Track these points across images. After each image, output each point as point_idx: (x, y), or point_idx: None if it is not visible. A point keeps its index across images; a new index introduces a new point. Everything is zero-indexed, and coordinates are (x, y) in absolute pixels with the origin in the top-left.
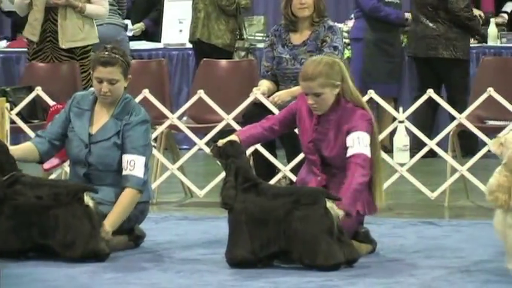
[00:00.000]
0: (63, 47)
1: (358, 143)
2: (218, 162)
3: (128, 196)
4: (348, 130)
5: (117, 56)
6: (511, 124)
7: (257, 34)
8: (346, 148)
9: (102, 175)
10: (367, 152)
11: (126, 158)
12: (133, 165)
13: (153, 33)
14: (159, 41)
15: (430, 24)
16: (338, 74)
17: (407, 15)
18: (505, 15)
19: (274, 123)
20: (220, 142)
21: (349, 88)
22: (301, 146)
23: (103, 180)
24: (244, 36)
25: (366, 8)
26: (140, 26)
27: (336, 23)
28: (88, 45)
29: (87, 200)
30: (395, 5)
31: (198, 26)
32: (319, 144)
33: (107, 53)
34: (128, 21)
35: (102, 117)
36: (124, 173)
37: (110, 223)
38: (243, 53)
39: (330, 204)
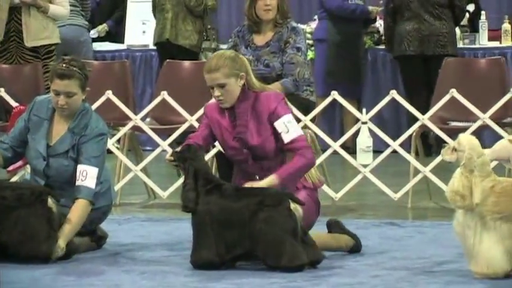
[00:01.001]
0: (28, 45)
1: (291, 126)
2: (177, 170)
3: (79, 208)
4: (270, 115)
5: (74, 68)
6: (474, 125)
7: None
8: (273, 134)
9: (64, 186)
10: (301, 132)
11: (79, 168)
12: (85, 175)
13: (116, 34)
14: (123, 42)
15: (437, 22)
16: (242, 66)
17: (371, 8)
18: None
19: (198, 139)
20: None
21: (252, 80)
22: (226, 152)
23: (64, 190)
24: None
25: (331, 7)
26: (103, 27)
27: (299, 24)
28: (52, 45)
29: (51, 203)
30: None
31: (166, 27)
32: (244, 137)
33: (64, 65)
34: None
35: (60, 128)
36: (76, 183)
37: (62, 238)
38: (209, 54)
39: (293, 205)
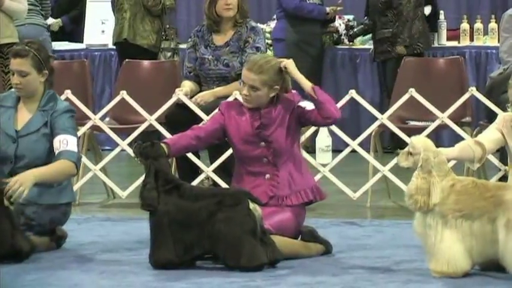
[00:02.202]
0: None
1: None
2: (139, 162)
3: (61, 163)
4: (294, 106)
5: (30, 49)
6: (433, 125)
7: None
8: (293, 125)
9: (33, 165)
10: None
11: (57, 138)
12: (66, 142)
13: (71, 31)
14: (82, 42)
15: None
16: (281, 81)
17: (328, 9)
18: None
19: (200, 132)
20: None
21: (288, 87)
22: (236, 149)
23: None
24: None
25: (289, 7)
26: (58, 21)
27: (258, 24)
28: (14, 44)
29: (7, 203)
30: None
31: (124, 27)
32: (265, 128)
33: (21, 46)
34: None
35: (26, 114)
36: (57, 151)
37: (35, 174)
38: (169, 54)
39: (252, 205)
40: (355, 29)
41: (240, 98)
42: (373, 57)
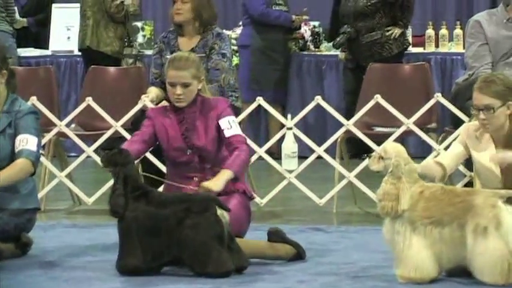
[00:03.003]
0: None
1: (234, 125)
2: (108, 170)
3: (19, 163)
4: (218, 115)
5: None
6: (398, 131)
7: None
8: (217, 137)
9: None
10: (242, 134)
11: (18, 138)
12: (26, 141)
13: (37, 35)
14: (47, 48)
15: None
16: (203, 71)
17: (294, 17)
18: None
19: (144, 135)
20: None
21: (205, 85)
22: (167, 155)
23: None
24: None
25: (255, 14)
26: (23, 21)
27: (224, 30)
28: None
29: None
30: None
31: (87, 34)
32: (190, 136)
33: None
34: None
35: None
36: (17, 150)
37: None
38: (130, 60)
39: (220, 211)
40: (338, 39)
41: None
42: (354, 63)
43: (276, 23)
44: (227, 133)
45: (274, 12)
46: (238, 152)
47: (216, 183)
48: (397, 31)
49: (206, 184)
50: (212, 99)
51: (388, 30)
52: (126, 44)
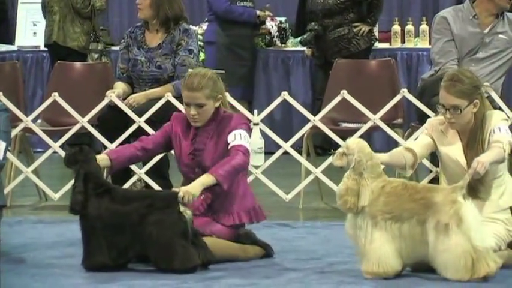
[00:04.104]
0: None
1: (240, 138)
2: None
3: None
4: (230, 131)
5: None
6: (364, 126)
7: None
8: (227, 150)
9: None
10: (248, 146)
11: None
12: None
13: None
14: (13, 44)
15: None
16: (220, 88)
17: (259, 12)
18: None
19: (148, 143)
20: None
21: (225, 101)
22: (179, 167)
23: None
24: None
25: (219, 10)
26: None
27: (191, 26)
28: None
29: None
30: (250, 8)
31: (54, 29)
32: (200, 156)
33: None
34: None
35: None
36: None
37: None
38: (96, 55)
39: (183, 207)
40: (305, 36)
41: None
42: (322, 59)
43: (240, 20)
44: (231, 144)
45: (238, 8)
46: (229, 158)
47: (194, 185)
48: (364, 28)
49: (184, 188)
50: (232, 115)
51: (355, 26)
52: (92, 39)
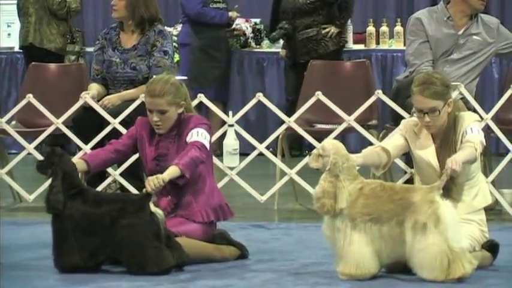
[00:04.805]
0: None
1: (196, 135)
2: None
3: None
4: (187, 133)
5: None
6: (339, 127)
7: None
8: None
9: None
10: (204, 142)
11: None
12: None
13: None
14: None
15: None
16: (183, 94)
17: (230, 13)
18: None
19: (118, 146)
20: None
21: (190, 106)
22: (144, 172)
23: None
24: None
25: (191, 13)
26: None
27: (166, 27)
28: None
29: None
30: (224, 9)
31: (30, 31)
32: (163, 161)
33: None
34: None
35: None
36: None
37: None
38: (73, 57)
39: (154, 208)
40: (274, 33)
41: None
42: (292, 60)
43: (212, 22)
44: (188, 140)
45: (210, 11)
46: (185, 151)
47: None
48: (333, 30)
49: (151, 177)
50: (191, 117)
51: (324, 28)
52: (69, 40)
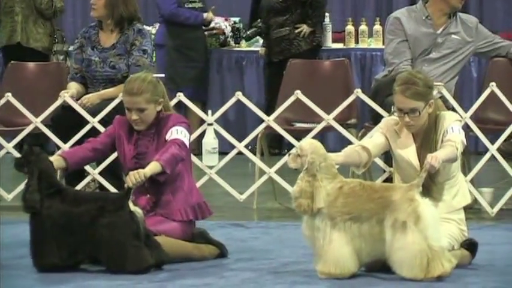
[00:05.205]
0: None
1: (176, 133)
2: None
3: None
4: (167, 130)
5: None
6: (318, 126)
7: None
8: None
9: None
10: (184, 139)
11: None
12: None
13: None
14: None
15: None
16: (161, 92)
17: (205, 15)
18: None
19: (96, 144)
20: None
21: (167, 104)
22: (123, 171)
23: None
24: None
25: (165, 13)
26: None
27: (145, 26)
28: None
29: None
30: (200, 9)
31: (17, 30)
32: (143, 160)
33: None
34: None
35: None
36: None
37: None
38: (61, 57)
39: (134, 207)
40: (248, 32)
41: None
42: (268, 58)
43: (186, 23)
44: (168, 138)
45: (185, 12)
46: (165, 148)
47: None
48: (306, 30)
49: (132, 172)
50: (170, 116)
51: (297, 28)
52: (57, 40)
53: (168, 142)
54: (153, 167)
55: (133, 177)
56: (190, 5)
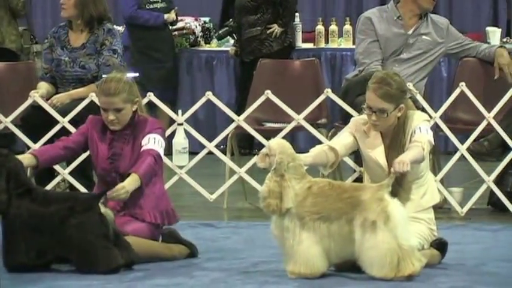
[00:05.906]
0: None
1: (153, 142)
2: None
3: None
4: (144, 136)
5: None
6: (288, 126)
7: None
8: None
9: None
10: (160, 151)
11: None
12: None
13: None
14: None
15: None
16: (136, 92)
17: (167, 16)
18: None
19: (68, 142)
20: None
21: (141, 105)
22: (95, 170)
23: None
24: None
25: (125, 16)
26: None
27: (115, 26)
28: None
29: None
30: (163, 9)
31: None
32: (118, 161)
33: None
34: None
35: None
36: None
37: None
38: (37, 59)
39: (104, 209)
40: (220, 31)
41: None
42: (239, 58)
43: (146, 25)
44: (144, 147)
45: (144, 14)
46: (142, 159)
47: (126, 184)
48: (277, 30)
49: (120, 188)
50: (147, 119)
51: (268, 28)
52: (35, 41)
53: (144, 151)
54: (133, 183)
55: (118, 196)
56: (151, 6)
